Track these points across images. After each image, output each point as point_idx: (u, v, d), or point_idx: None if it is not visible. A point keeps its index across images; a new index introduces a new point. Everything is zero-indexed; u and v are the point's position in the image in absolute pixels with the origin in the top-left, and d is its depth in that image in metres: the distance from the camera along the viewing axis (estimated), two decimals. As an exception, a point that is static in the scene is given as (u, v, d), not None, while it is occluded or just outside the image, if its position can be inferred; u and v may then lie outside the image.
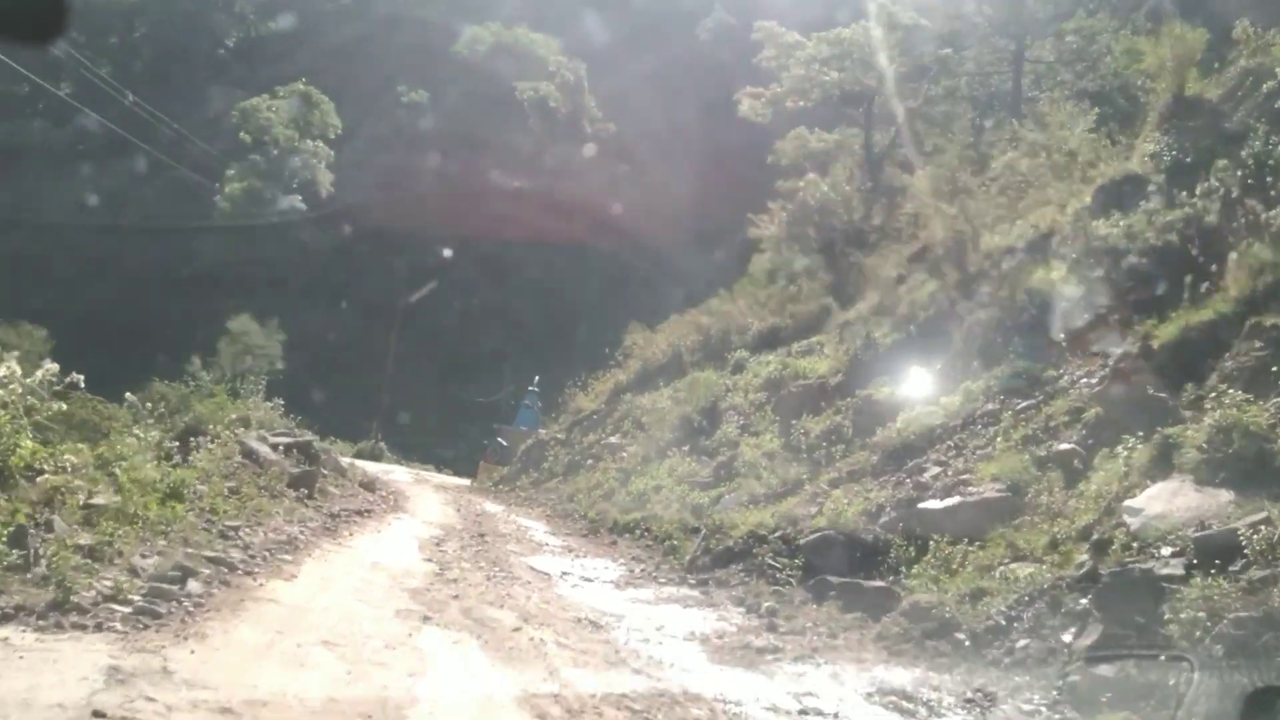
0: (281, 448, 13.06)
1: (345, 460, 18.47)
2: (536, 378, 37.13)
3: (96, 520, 7.91)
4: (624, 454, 19.10)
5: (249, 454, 12.40)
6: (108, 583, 6.71)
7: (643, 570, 11.26)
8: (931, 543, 8.52)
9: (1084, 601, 6.18)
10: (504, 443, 32.49)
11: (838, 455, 12.31)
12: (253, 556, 8.78)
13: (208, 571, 7.75)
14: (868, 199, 28.98)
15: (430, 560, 10.38)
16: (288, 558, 9.16)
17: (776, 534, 10.22)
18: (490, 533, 13.53)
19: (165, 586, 6.93)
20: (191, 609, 6.71)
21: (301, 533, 10.49)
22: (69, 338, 32.01)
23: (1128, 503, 6.78)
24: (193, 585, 7.20)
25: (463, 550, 11.35)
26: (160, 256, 50.76)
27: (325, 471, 14.38)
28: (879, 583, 8.55)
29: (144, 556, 7.66)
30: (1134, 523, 6.50)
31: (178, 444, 16.39)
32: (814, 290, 23.10)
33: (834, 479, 11.45)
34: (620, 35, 63.54)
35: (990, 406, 10.82)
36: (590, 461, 20.31)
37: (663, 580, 10.55)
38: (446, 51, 59.27)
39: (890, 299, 17.67)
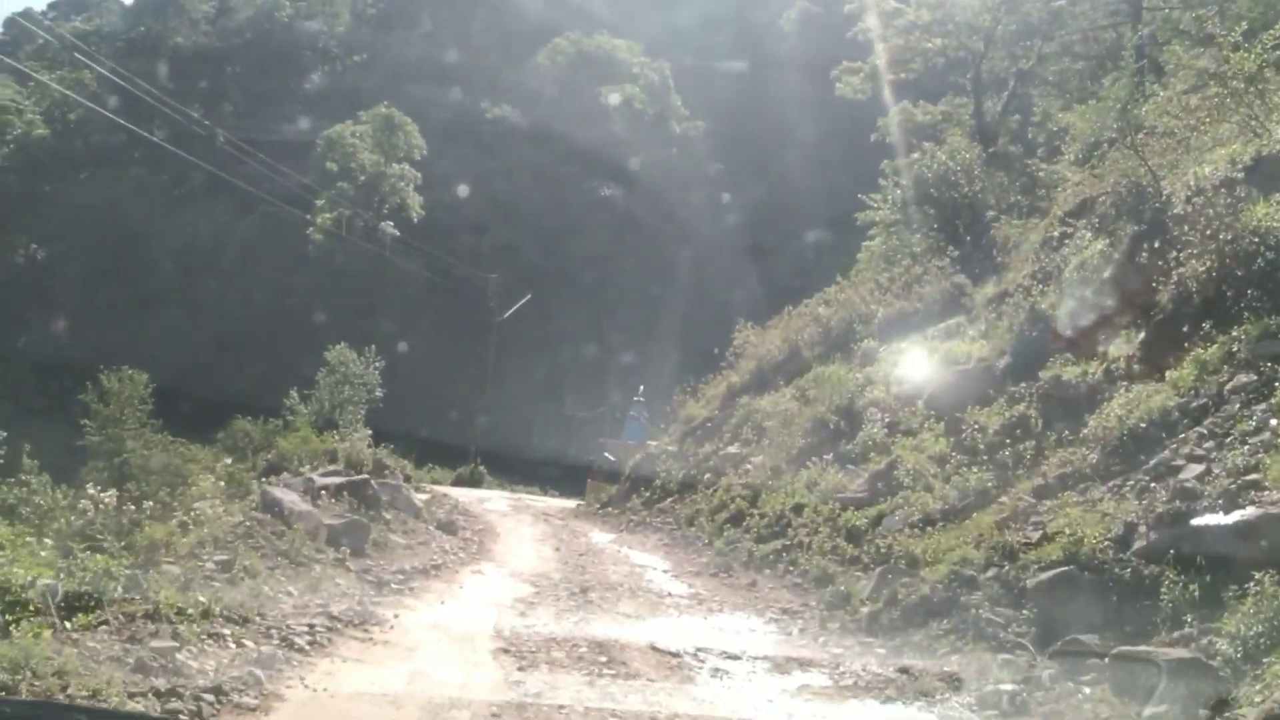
0: (328, 491, 10.68)
1: (421, 496, 15.93)
2: (641, 387, 35.35)
3: None
4: (748, 466, 16.84)
5: (271, 506, 9.84)
6: None
7: (803, 631, 8.62)
8: (1251, 580, 5.67)
9: None
10: (611, 458, 30.66)
11: (1028, 454, 9.78)
12: (174, 713, 5.10)
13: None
14: (986, 167, 26.73)
15: (507, 651, 7.49)
16: (250, 700, 5.53)
17: (989, 573, 7.62)
18: (597, 583, 10.97)
19: None
20: None
21: (312, 628, 7.18)
22: (173, 379, 31.76)
23: None
24: None
25: (558, 621, 8.72)
26: (259, 292, 51.25)
27: (388, 515, 11.93)
28: (1179, 651, 5.63)
29: None
30: None
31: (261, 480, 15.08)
32: (942, 269, 20.91)
33: (1039, 487, 8.84)
34: (704, 31, 61.82)
35: (1244, 378, 8.13)
36: (708, 476, 18.10)
37: (835, 647, 7.87)
38: (530, 64, 58.51)
39: (1049, 264, 15.23)
